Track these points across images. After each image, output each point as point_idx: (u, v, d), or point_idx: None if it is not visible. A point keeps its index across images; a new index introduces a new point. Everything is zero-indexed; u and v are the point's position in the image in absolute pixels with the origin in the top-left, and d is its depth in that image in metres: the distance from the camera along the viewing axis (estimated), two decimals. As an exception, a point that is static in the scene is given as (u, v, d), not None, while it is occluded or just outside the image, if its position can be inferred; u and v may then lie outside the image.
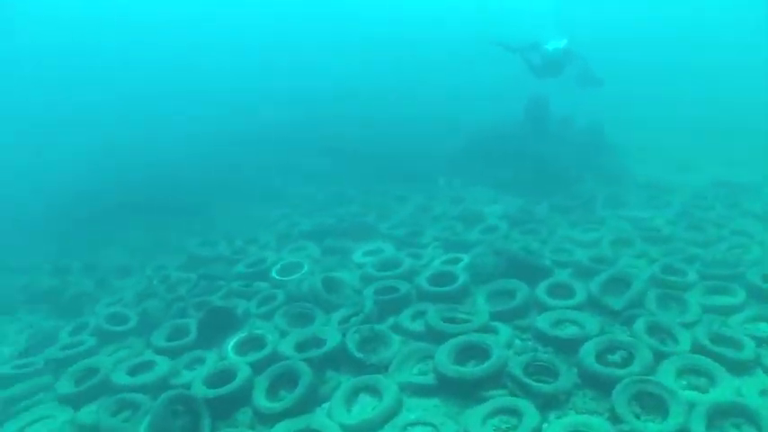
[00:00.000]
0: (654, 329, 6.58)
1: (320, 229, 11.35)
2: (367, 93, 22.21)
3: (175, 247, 11.63)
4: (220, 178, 15.72)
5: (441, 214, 11.39)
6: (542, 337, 6.75)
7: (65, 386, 7.00)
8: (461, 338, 6.61)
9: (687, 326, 6.67)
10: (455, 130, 15.55)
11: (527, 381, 5.80)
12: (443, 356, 6.31)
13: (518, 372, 5.93)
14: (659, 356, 6.07)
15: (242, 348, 7.30)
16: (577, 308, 7.27)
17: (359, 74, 25.05)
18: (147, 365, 7.13)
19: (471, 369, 6.09)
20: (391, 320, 7.61)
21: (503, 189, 12.22)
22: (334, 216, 11.93)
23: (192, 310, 8.43)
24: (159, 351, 7.57)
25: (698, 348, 6.20)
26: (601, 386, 5.77)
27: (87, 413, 6.47)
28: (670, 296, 7.34)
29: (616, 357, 6.15)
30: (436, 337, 6.88)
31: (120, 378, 6.86)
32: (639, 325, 6.60)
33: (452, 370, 6.07)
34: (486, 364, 6.08)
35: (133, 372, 7.01)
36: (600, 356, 6.14)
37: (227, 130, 20.10)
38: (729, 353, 6.07)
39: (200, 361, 7.20)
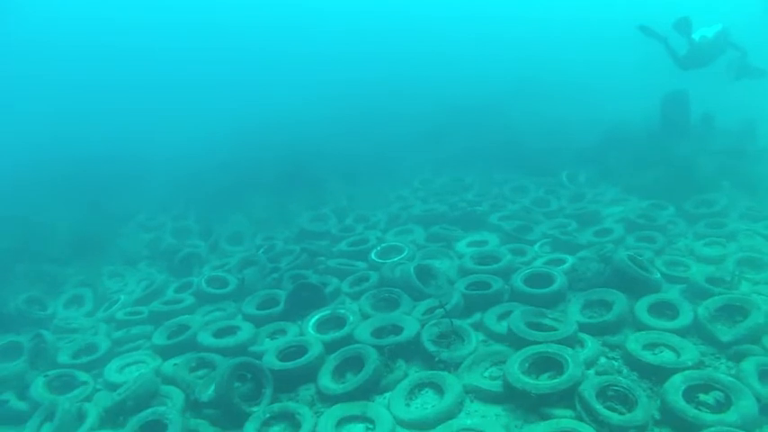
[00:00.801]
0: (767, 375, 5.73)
1: (431, 214, 11.20)
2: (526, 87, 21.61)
3: (292, 220, 11.95)
4: (351, 156, 15.92)
5: (556, 210, 10.82)
6: (630, 360, 6.17)
7: (159, 338, 7.51)
8: (538, 347, 6.20)
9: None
10: (593, 125, 14.63)
11: (596, 406, 5.29)
12: (515, 364, 5.96)
13: (589, 394, 5.43)
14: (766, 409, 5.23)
15: (323, 326, 7.39)
16: (679, 332, 6.55)
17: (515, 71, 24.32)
18: (231, 330, 7.44)
19: (536, 382, 5.69)
20: (478, 317, 7.34)
21: (629, 190, 11.33)
22: (447, 203, 11.66)
23: (287, 282, 8.64)
24: (247, 317, 7.85)
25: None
26: (683, 428, 5.12)
27: (170, 365, 6.87)
28: None
29: (709, 398, 5.42)
30: (517, 341, 6.51)
31: (205, 339, 7.20)
32: (749, 365, 5.79)
33: (518, 380, 5.71)
34: (555, 380, 5.65)
35: (218, 334, 7.33)
36: (690, 393, 5.45)
37: (365, 111, 20.40)
38: None
39: (282, 332, 7.41)
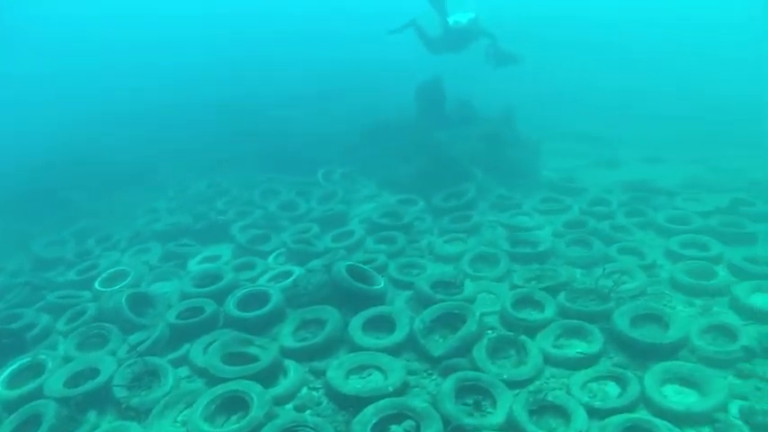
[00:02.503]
0: (468, 390, 5.12)
1: (174, 228, 9.86)
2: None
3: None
4: (101, 165, 14.05)
5: (304, 214, 9.86)
6: (329, 389, 5.32)
7: None
8: (228, 386, 5.31)
9: (514, 385, 5.23)
10: (361, 120, 13.94)
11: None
12: (200, 408, 5.10)
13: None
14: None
15: (17, 377, 6.09)
16: (392, 350, 5.80)
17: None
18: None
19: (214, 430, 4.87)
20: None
21: (384, 185, 10.67)
22: (193, 213, 10.34)
23: (-2, 324, 7.08)
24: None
25: (511, 425, 4.75)
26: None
27: None
28: (509, 342, 5.81)
29: (400, 429, 4.71)
30: (212, 379, 5.60)
31: None
32: (448, 385, 5.13)
33: (197, 428, 4.88)
34: (237, 425, 4.85)
35: None
36: (382, 426, 4.72)
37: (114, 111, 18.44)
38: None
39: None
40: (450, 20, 11.63)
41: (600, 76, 20.66)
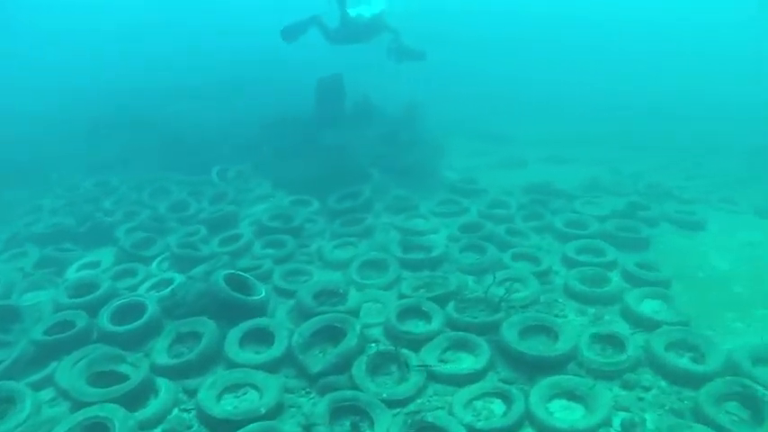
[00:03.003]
0: (345, 411, 4.97)
1: (56, 230, 9.23)
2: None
3: None
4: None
5: (194, 215, 9.44)
6: (200, 411, 5.06)
7: None
8: (88, 411, 4.93)
9: (394, 404, 5.09)
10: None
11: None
12: None
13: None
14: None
15: None
16: (270, 366, 5.59)
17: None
18: None
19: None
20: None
21: (280, 184, 10.35)
22: (78, 214, 9.72)
23: None
24: None
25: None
26: None
27: None
28: (389, 357, 5.65)
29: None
30: (76, 403, 5.19)
31: None
32: (322, 406, 4.97)
33: None
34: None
35: None
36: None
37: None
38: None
39: None
40: (354, 12, 11.37)
41: (513, 72, 20.76)
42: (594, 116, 16.76)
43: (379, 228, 8.73)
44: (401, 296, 6.79)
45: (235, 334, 5.94)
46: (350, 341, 5.66)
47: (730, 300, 7.00)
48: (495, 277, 6.94)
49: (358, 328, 5.82)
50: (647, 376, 5.48)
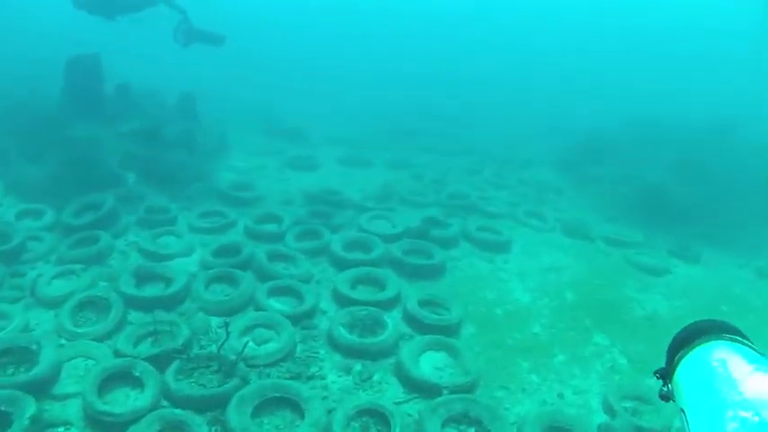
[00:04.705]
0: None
1: None
2: None
3: None
4: None
5: None
6: None
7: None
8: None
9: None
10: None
11: None
12: None
13: None
14: None
15: None
16: None
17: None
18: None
19: None
20: None
21: (13, 187, 8.34)
22: None
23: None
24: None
25: None
26: None
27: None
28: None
29: None
30: None
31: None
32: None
33: None
34: None
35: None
36: None
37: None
38: None
39: None
40: None
41: (325, 63, 19.66)
42: (405, 113, 16.21)
43: (119, 250, 7.25)
44: (115, 353, 5.47)
45: None
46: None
47: (528, 344, 6.48)
48: (226, 323, 5.58)
49: (26, 414, 4.44)
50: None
